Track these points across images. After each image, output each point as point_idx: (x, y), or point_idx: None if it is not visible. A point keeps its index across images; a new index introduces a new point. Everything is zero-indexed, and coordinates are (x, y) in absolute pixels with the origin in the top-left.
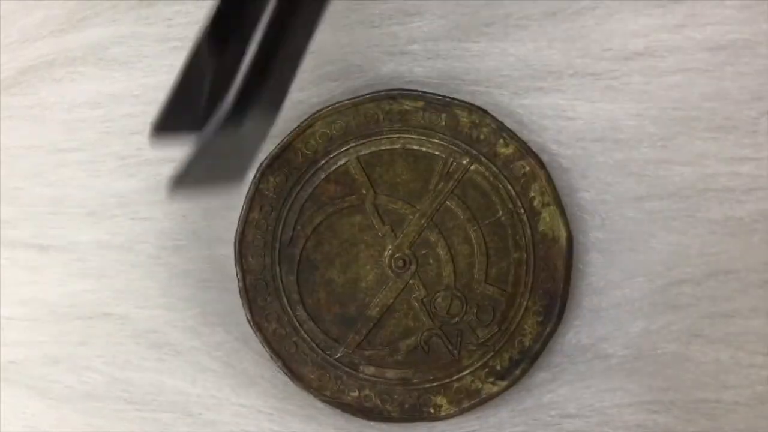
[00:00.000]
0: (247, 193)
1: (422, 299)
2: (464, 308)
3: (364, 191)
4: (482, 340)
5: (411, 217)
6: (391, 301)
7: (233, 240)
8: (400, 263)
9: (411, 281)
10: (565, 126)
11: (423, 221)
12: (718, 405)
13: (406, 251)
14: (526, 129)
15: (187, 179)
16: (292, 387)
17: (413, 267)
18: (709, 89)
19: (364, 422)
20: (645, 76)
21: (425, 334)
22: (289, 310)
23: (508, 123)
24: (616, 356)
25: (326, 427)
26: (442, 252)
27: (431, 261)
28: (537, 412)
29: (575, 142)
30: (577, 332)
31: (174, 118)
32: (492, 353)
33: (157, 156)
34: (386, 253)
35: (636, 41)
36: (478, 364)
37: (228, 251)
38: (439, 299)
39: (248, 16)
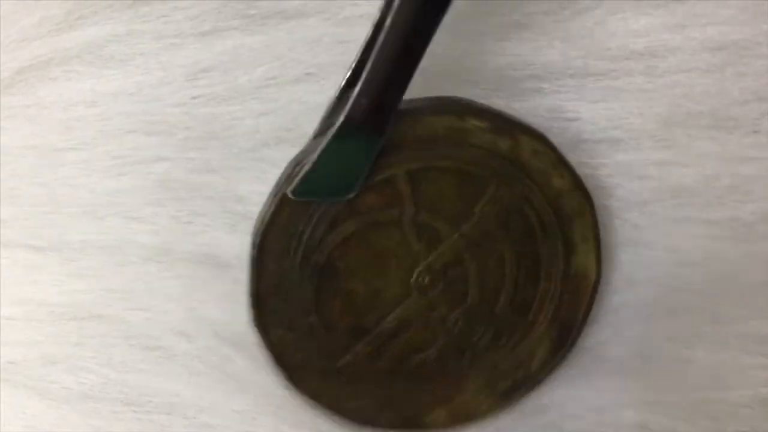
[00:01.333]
0: (276, 193)
1: (442, 317)
2: (482, 330)
3: (405, 206)
4: (493, 362)
5: (449, 238)
6: (410, 316)
7: (236, 241)
8: (428, 281)
9: (434, 298)
10: (566, 128)
11: (461, 243)
12: (720, 407)
13: (437, 270)
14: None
15: (306, 189)
16: (288, 392)
17: (440, 286)
18: (710, 89)
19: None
20: (646, 76)
21: (437, 350)
22: (300, 316)
23: None
24: (617, 358)
25: (323, 429)
26: (472, 275)
27: (459, 282)
28: (538, 414)
29: (577, 144)
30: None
31: None
32: (498, 375)
33: (154, 154)
34: (416, 270)
35: (637, 41)
36: (482, 382)
37: (226, 251)
38: (459, 320)
39: None
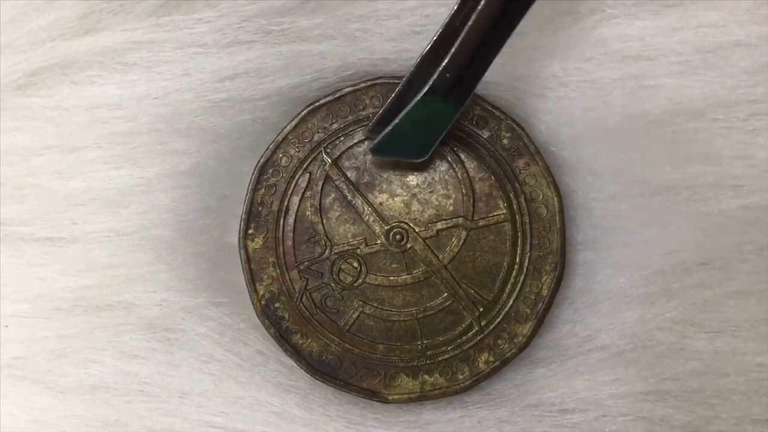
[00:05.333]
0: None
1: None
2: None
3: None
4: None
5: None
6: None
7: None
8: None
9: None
10: (562, 127)
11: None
12: (714, 393)
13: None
14: (527, 130)
15: (385, 147)
16: (298, 373)
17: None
18: (700, 91)
19: (368, 410)
20: (639, 80)
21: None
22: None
23: (511, 124)
24: (613, 347)
25: (331, 412)
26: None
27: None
28: (536, 408)
29: (572, 143)
30: (574, 326)
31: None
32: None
33: (183, 148)
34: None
35: (631, 45)
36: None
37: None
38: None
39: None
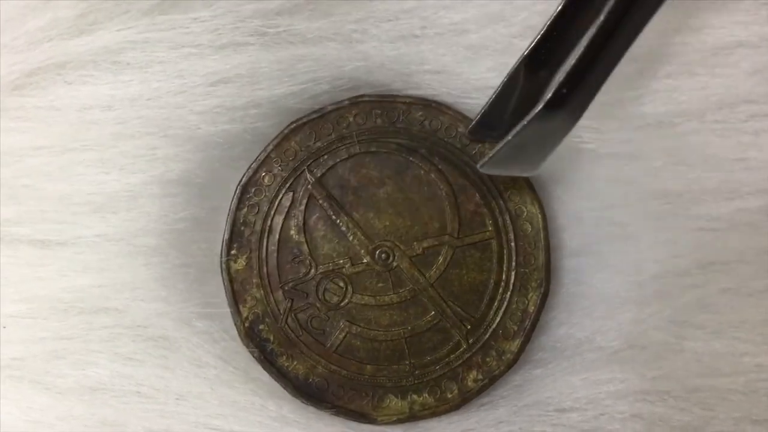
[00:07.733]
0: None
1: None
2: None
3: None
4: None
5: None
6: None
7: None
8: (384, 257)
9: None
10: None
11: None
12: (712, 393)
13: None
14: None
15: (496, 163)
16: None
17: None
18: (700, 93)
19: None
20: (637, 82)
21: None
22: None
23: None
24: (610, 348)
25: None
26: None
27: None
28: (534, 408)
29: (567, 153)
30: (570, 328)
31: (484, 128)
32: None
33: (173, 154)
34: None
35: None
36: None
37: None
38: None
39: (564, 44)
